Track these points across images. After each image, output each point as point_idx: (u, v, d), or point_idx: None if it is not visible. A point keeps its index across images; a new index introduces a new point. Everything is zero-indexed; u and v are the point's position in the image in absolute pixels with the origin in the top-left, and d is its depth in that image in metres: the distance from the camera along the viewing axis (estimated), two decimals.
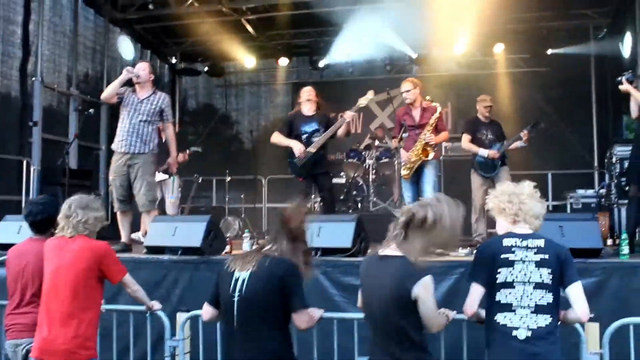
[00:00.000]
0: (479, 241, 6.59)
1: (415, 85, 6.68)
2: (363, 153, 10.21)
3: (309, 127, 6.65)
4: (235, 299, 3.09)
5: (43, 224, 3.94)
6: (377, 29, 11.70)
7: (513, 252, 3.11)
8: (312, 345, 3.91)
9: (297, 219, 3.26)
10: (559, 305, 3.10)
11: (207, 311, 3.34)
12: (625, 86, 5.68)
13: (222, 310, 3.21)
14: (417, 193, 6.74)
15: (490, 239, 3.46)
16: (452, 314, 3.30)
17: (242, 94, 14.04)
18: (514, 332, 3.04)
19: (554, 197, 11.05)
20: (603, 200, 8.55)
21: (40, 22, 9.15)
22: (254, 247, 3.35)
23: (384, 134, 10.54)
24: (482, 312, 3.26)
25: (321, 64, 12.49)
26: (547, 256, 3.07)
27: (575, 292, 3.07)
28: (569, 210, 9.63)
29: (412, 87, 6.64)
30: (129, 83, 6.21)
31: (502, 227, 3.27)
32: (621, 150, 7.74)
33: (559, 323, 3.13)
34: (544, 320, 3.03)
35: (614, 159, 7.88)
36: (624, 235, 5.00)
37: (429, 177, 6.61)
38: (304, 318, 3.16)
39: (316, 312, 3.48)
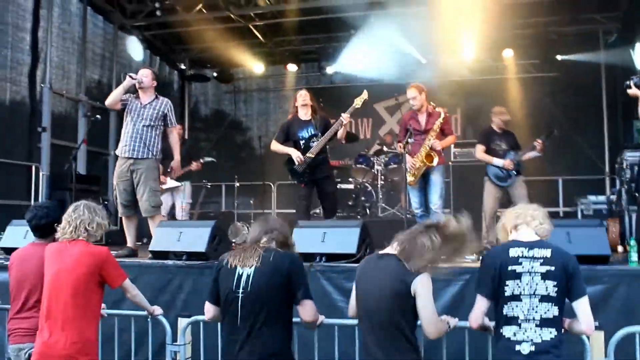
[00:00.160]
0: (488, 248, 6.53)
1: (420, 91, 6.63)
2: (372, 159, 10.19)
3: (306, 132, 6.58)
4: (240, 295, 3.08)
5: (46, 229, 3.94)
6: (385, 34, 11.69)
7: (520, 263, 3.05)
8: (313, 350, 3.87)
9: (283, 230, 3.33)
10: (563, 316, 3.05)
11: (208, 310, 3.34)
12: (633, 90, 5.59)
13: (223, 307, 3.19)
14: (424, 199, 6.70)
15: (495, 247, 3.39)
16: (454, 322, 3.25)
17: (251, 100, 14.06)
18: (517, 347, 2.99)
19: (565, 203, 10.99)
20: (614, 206, 8.45)
21: (49, 29, 9.23)
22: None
23: (392, 140, 10.51)
24: (486, 320, 3.22)
25: (330, 70, 12.47)
26: (553, 268, 3.01)
27: (582, 306, 3.03)
28: (579, 216, 9.55)
29: (417, 93, 6.58)
30: (132, 90, 6.23)
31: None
32: (631, 156, 7.64)
33: (563, 334, 3.07)
34: (549, 333, 2.98)
35: (624, 165, 7.78)
36: (633, 242, 4.91)
37: (436, 183, 6.55)
38: (309, 310, 3.18)
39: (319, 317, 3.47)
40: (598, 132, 11.46)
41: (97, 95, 10.54)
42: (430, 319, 2.98)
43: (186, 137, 11.84)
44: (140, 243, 6.97)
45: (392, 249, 3.10)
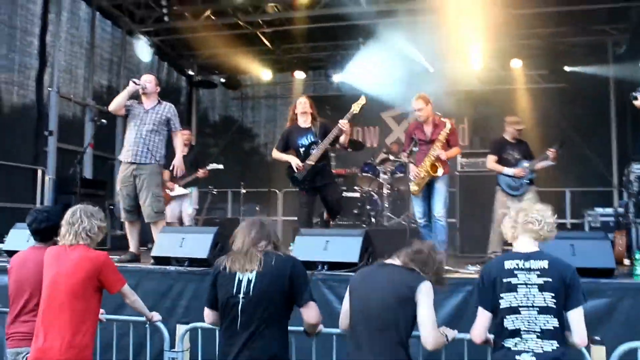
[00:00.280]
0: (492, 257, 6.49)
1: (427, 102, 6.59)
2: (377, 167, 10.15)
3: (306, 140, 6.54)
4: (240, 300, 3.09)
5: (47, 233, 3.93)
6: (393, 43, 11.68)
7: (515, 275, 3.01)
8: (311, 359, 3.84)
9: (276, 233, 3.38)
10: (564, 329, 2.99)
11: (208, 315, 3.35)
12: (639, 102, 5.55)
13: (222, 312, 3.18)
14: (428, 209, 6.66)
15: (492, 260, 3.36)
16: (452, 334, 3.22)
17: (259, 106, 14.09)
18: (517, 357, 2.95)
19: (572, 215, 10.91)
20: (621, 218, 8.38)
21: (57, 34, 9.30)
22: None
23: (399, 149, 10.46)
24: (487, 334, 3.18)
25: (337, 77, 12.46)
26: (550, 279, 2.97)
27: (576, 317, 2.97)
28: (587, 228, 9.49)
29: (424, 104, 6.54)
30: (135, 95, 6.25)
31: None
32: (639, 168, 7.58)
33: (566, 347, 3.02)
34: (550, 345, 2.93)
35: (631, 177, 7.71)
36: (638, 255, 4.85)
37: (440, 193, 6.51)
38: (313, 312, 3.20)
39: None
40: (606, 144, 11.39)
41: (104, 100, 10.56)
42: (430, 325, 3.00)
43: (194, 143, 11.85)
44: (145, 248, 6.97)
45: (394, 260, 3.11)
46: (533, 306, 2.96)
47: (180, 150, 6.46)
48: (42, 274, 3.59)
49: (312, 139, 6.50)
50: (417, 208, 6.76)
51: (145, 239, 7.03)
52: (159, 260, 5.60)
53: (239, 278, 3.11)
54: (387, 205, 9.91)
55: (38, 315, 3.51)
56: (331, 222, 10.00)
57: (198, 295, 5.17)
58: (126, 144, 6.19)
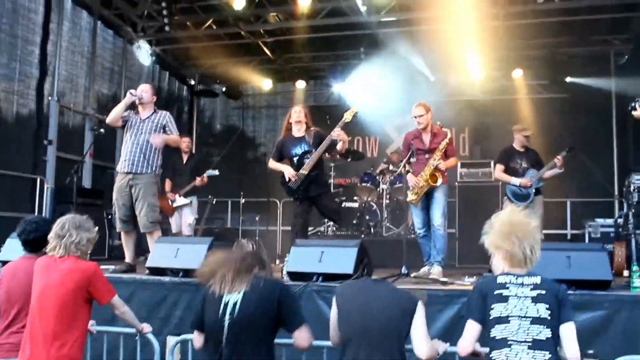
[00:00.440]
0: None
1: (427, 110, 6.57)
2: (377, 177, 10.14)
3: (300, 149, 6.51)
4: (226, 322, 3.06)
5: (36, 243, 3.90)
6: (394, 53, 11.69)
7: (507, 288, 2.98)
8: None
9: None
10: (558, 342, 2.95)
11: (197, 338, 3.30)
12: (638, 112, 5.52)
13: (208, 333, 3.16)
14: (427, 219, 6.63)
15: (486, 276, 3.33)
16: (443, 347, 3.20)
17: (259, 116, 14.11)
18: None
19: (573, 226, 10.84)
20: (621, 229, 8.32)
21: (58, 43, 9.32)
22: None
23: (399, 159, 10.44)
24: (477, 346, 3.13)
25: (339, 87, 12.45)
26: (544, 292, 2.94)
27: (568, 332, 2.93)
28: (587, 239, 9.43)
29: (424, 112, 6.52)
30: (132, 106, 6.25)
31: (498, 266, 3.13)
32: (639, 179, 7.54)
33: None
34: (542, 356, 2.88)
35: (632, 188, 7.66)
36: (635, 267, 4.80)
37: (439, 202, 6.47)
38: (305, 335, 3.17)
39: None
40: (608, 155, 11.34)
41: (105, 109, 10.59)
42: (425, 338, 3.02)
43: (194, 151, 11.85)
44: (143, 257, 6.95)
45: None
46: (525, 316, 2.92)
47: (174, 140, 6.42)
48: (31, 285, 3.57)
49: (306, 148, 6.47)
50: (416, 218, 6.73)
51: (145, 249, 7.01)
52: (154, 271, 5.59)
53: (225, 301, 3.09)
54: (386, 216, 9.89)
55: (26, 326, 3.49)
56: (334, 229, 10.04)
57: (192, 306, 5.11)
58: (123, 154, 6.20)
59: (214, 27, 11.15)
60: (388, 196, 9.95)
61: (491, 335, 2.97)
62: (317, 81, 13.37)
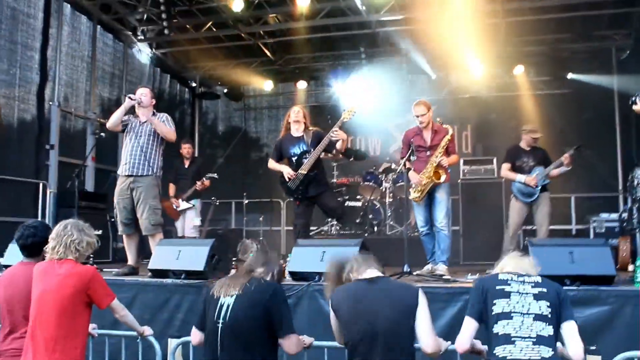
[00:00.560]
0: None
1: (428, 108, 6.55)
2: (380, 176, 10.12)
3: (298, 149, 6.51)
4: (220, 325, 3.05)
5: (34, 248, 3.90)
6: (395, 52, 11.68)
7: (509, 284, 2.98)
8: None
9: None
10: (558, 339, 2.93)
11: (195, 335, 3.33)
12: (639, 106, 5.49)
13: (206, 336, 3.16)
14: (429, 216, 6.61)
15: (488, 274, 3.31)
16: (445, 345, 3.17)
17: (261, 117, 14.10)
18: None
19: (578, 221, 10.81)
20: (625, 224, 8.28)
21: (58, 48, 9.32)
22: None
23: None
24: (478, 343, 3.12)
25: (339, 87, 12.42)
26: (545, 290, 2.95)
27: (570, 330, 2.92)
28: (592, 234, 9.41)
29: (426, 110, 6.50)
30: (132, 110, 6.25)
31: None
32: None
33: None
34: (547, 352, 2.86)
35: (635, 182, 7.63)
36: (639, 262, 4.77)
37: (441, 201, 6.45)
38: (292, 343, 3.12)
39: (306, 340, 3.41)
40: (611, 149, 11.26)
41: (106, 113, 10.61)
42: (430, 332, 2.98)
43: (197, 155, 11.86)
44: (148, 260, 6.95)
45: (374, 272, 3.06)
46: (528, 313, 2.91)
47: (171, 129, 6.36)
48: (30, 290, 3.56)
49: (304, 148, 6.46)
50: (418, 217, 6.71)
51: (150, 251, 7.01)
52: (156, 273, 5.59)
53: (220, 303, 3.09)
54: (389, 214, 9.87)
55: (27, 331, 3.49)
56: (338, 229, 10.02)
57: (195, 308, 5.13)
58: (123, 158, 6.23)
59: (214, 29, 11.15)
60: (391, 195, 9.93)
61: (494, 332, 2.95)
62: (318, 81, 13.33)
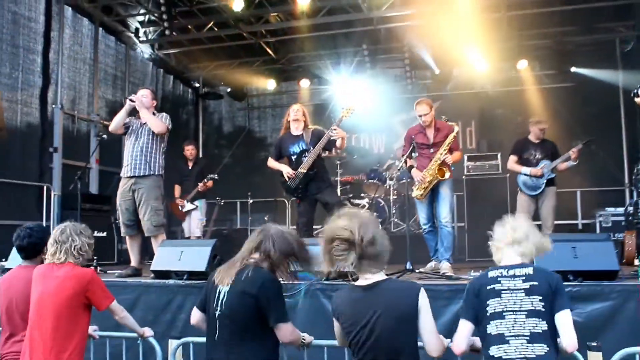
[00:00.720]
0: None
1: (430, 106, 6.53)
2: (384, 174, 10.09)
3: (297, 147, 6.50)
4: (217, 313, 3.05)
5: (30, 250, 3.91)
6: (398, 48, 11.64)
7: (499, 281, 2.94)
8: None
9: (284, 246, 3.18)
10: (556, 334, 2.89)
11: (194, 315, 3.31)
12: None
13: (207, 323, 3.17)
14: (432, 214, 6.59)
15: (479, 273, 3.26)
16: (446, 343, 3.13)
17: (265, 116, 14.10)
18: None
19: (584, 216, 10.74)
20: (631, 218, 8.22)
21: (60, 51, 9.35)
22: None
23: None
24: (477, 341, 3.09)
25: (342, 84, 12.38)
26: (536, 283, 2.88)
27: (563, 320, 2.85)
28: (598, 228, 9.35)
29: (428, 109, 6.47)
30: (133, 112, 6.25)
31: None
32: None
33: (558, 353, 2.92)
34: (541, 349, 2.82)
35: None
36: None
37: (445, 197, 6.43)
38: (284, 332, 3.07)
39: (306, 338, 3.39)
40: (617, 143, 11.19)
41: (109, 115, 10.63)
42: (433, 332, 2.89)
43: (201, 155, 11.88)
44: (152, 261, 6.96)
45: (375, 276, 2.93)
46: (520, 310, 2.87)
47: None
48: (30, 293, 3.57)
49: (304, 147, 6.45)
50: (421, 214, 6.70)
51: (153, 253, 7.03)
52: (159, 274, 5.59)
53: (218, 291, 3.07)
54: (394, 212, 9.84)
55: (26, 335, 3.50)
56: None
57: None
58: (125, 160, 6.24)
59: (215, 29, 11.15)
60: (395, 192, 9.90)
61: (488, 332, 2.92)
62: (322, 79, 13.29)
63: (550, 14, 10.17)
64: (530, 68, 11.47)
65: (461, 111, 11.35)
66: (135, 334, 4.00)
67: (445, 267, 6.10)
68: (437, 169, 6.35)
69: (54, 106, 9.24)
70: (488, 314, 2.92)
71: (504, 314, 2.88)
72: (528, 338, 2.83)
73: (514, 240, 3.01)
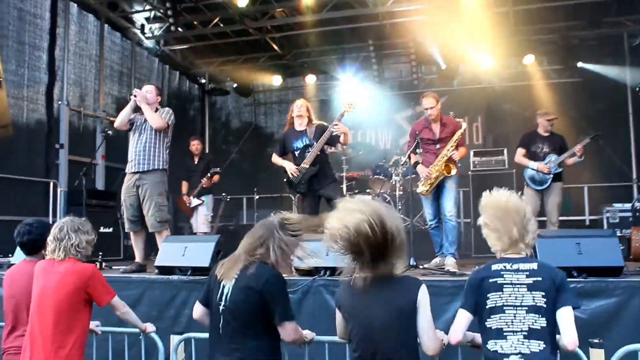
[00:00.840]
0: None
1: (437, 100, 6.50)
2: (389, 169, 10.06)
3: (301, 143, 6.47)
4: (221, 308, 3.04)
5: (30, 246, 3.94)
6: (403, 43, 11.60)
7: (502, 275, 2.89)
8: None
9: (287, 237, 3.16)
10: (555, 331, 2.86)
11: (196, 309, 3.30)
12: None
13: (210, 318, 3.16)
14: (438, 209, 6.56)
15: (482, 265, 3.22)
16: (445, 340, 3.11)
17: (271, 112, 14.09)
18: None
19: (591, 212, 10.67)
20: (638, 213, 8.18)
21: (65, 47, 9.37)
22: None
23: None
24: (477, 337, 3.07)
25: (348, 80, 12.35)
26: (540, 279, 2.84)
27: (564, 316, 2.81)
28: (605, 224, 9.30)
29: (434, 102, 6.44)
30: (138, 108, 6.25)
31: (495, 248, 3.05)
32: None
33: (557, 351, 2.89)
34: (537, 345, 2.79)
35: None
36: None
37: (450, 191, 6.41)
38: (288, 331, 3.06)
39: (308, 335, 3.38)
40: (625, 138, 11.11)
41: (115, 111, 10.65)
42: (431, 333, 2.85)
43: (207, 150, 11.88)
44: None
45: (369, 271, 2.90)
46: (521, 305, 2.84)
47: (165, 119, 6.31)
48: (31, 288, 3.58)
49: (307, 142, 6.43)
50: (427, 210, 6.68)
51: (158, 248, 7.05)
52: (163, 270, 5.59)
53: (222, 286, 3.06)
54: (400, 208, 9.79)
55: (27, 329, 3.51)
56: None
57: None
58: (129, 156, 6.26)
59: (221, 25, 11.14)
60: (401, 188, 9.86)
61: (487, 326, 2.90)
62: (327, 75, 13.26)
63: (555, 9, 10.09)
64: (537, 63, 11.40)
65: (467, 106, 11.30)
66: (138, 330, 4.01)
67: (450, 263, 6.07)
68: (443, 165, 6.33)
69: (60, 102, 9.27)
70: (488, 307, 2.89)
71: (504, 308, 2.85)
72: (526, 333, 2.81)
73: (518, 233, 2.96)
